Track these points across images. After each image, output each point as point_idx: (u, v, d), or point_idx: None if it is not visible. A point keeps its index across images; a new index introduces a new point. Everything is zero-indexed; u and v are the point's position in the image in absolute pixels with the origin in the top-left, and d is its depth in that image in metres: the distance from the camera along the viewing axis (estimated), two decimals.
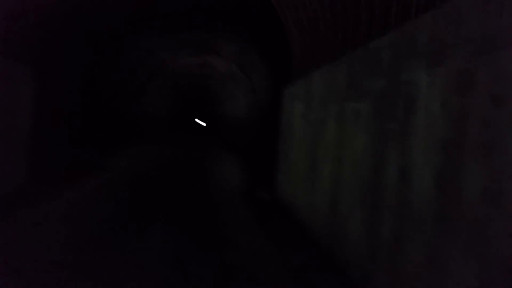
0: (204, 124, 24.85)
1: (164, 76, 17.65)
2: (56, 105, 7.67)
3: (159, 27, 10.58)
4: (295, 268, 3.79)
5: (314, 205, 4.68)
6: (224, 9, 8.99)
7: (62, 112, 7.98)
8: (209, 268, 3.63)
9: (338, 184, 3.94)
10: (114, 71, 10.75)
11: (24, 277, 3.17)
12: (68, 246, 3.94)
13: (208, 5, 8.96)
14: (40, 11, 5.98)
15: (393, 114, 2.97)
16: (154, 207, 5.87)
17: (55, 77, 7.49)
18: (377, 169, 3.13)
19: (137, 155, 12.40)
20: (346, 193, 3.71)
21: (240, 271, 3.61)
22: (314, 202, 4.68)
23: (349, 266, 3.52)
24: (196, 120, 25.42)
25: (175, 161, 11.72)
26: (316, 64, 5.24)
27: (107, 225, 4.74)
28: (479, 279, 1.97)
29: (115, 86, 11.14)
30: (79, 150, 8.88)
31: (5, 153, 5.74)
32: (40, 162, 7.09)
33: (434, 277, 2.32)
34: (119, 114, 11.89)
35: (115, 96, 11.20)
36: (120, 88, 11.74)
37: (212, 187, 7.99)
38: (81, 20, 7.61)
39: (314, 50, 5.36)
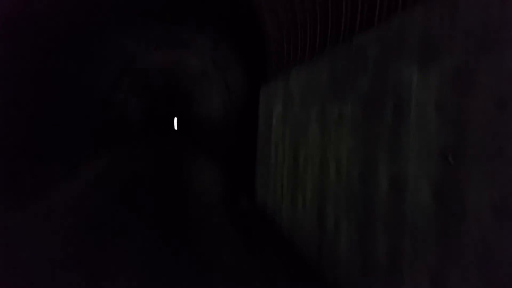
0: (175, 126, 24.34)
1: (135, 73, 17.09)
2: (15, 107, 7.16)
3: (130, 19, 10.11)
4: None
5: (298, 217, 4.43)
6: (197, 5, 8.65)
7: (22, 114, 7.47)
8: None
9: (323, 193, 3.70)
10: (84, 64, 10.23)
11: None
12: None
13: (181, 1, 8.59)
14: None
15: (381, 117, 2.75)
16: (128, 219, 5.50)
17: (14, 74, 6.98)
18: (366, 178, 2.90)
19: (109, 161, 11.89)
20: (332, 205, 3.47)
21: None
22: (298, 213, 4.43)
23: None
24: (173, 122, 24.87)
25: (148, 167, 11.29)
26: (295, 61, 4.99)
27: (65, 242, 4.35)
28: None
29: (84, 81, 10.60)
30: (42, 157, 8.37)
31: None
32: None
33: None
34: (87, 114, 11.36)
35: (83, 93, 10.67)
36: (89, 84, 11.20)
37: (189, 195, 7.65)
38: (43, 12, 7.12)
39: (292, 45, 5.10)
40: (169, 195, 7.54)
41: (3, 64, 6.62)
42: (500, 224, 1.73)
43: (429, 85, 2.28)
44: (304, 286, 3.59)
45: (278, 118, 5.47)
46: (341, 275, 3.21)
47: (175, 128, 25.24)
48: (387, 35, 2.70)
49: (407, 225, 2.41)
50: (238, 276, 3.72)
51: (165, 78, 22.22)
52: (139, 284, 3.43)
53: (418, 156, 2.34)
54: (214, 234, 5.12)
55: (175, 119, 25.03)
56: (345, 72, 3.33)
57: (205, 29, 10.36)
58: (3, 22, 6.26)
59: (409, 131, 2.45)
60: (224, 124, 12.43)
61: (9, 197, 6.53)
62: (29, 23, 7.11)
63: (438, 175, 2.14)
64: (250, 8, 7.21)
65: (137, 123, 21.50)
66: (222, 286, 3.53)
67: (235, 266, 3.95)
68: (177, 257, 4.11)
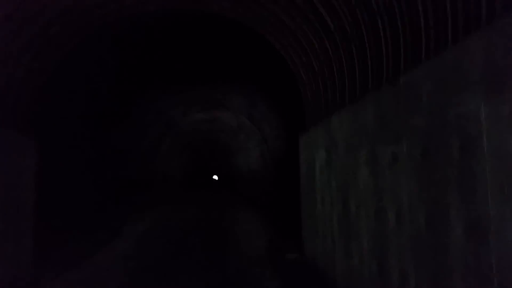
0: (216, 178, 24.33)
1: (174, 135, 17.51)
2: (63, 175, 7.31)
3: (167, 86, 10.48)
4: None
5: (355, 271, 4.02)
6: (231, 63, 8.85)
7: (70, 182, 7.61)
8: None
9: (383, 244, 3.32)
10: (125, 135, 10.54)
11: None
12: None
13: (215, 60, 8.83)
14: (37, 76, 5.78)
15: (446, 156, 2.45)
16: (171, 277, 5.23)
17: (60, 145, 7.20)
18: (435, 225, 2.55)
19: (154, 218, 11.85)
20: (396, 257, 3.08)
21: None
22: (354, 267, 4.02)
23: None
24: (212, 176, 24.96)
25: (192, 222, 11.12)
26: (334, 107, 4.81)
27: None
28: None
29: (126, 150, 10.87)
30: (92, 219, 8.40)
31: (9, 232, 5.27)
32: (47, 240, 6.59)
33: None
34: (131, 178, 11.53)
35: (126, 160, 10.89)
36: (131, 151, 11.47)
37: (233, 249, 7.32)
38: (84, 84, 7.47)
39: (330, 92, 4.95)
40: (213, 248, 7.25)
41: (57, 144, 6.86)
42: None
43: (502, 115, 2.00)
44: None
45: (322, 165, 5.20)
46: None
47: (216, 181, 25.27)
48: (441, 69, 2.47)
49: (492, 276, 2.03)
50: None
51: (204, 135, 22.64)
52: None
53: (500, 195, 2.01)
54: None
55: (215, 173, 25.16)
56: (394, 111, 3.09)
57: (240, 88, 10.55)
58: (67, 103, 6.57)
59: (484, 167, 2.13)
60: (263, 175, 12.23)
61: (61, 258, 6.47)
62: (86, 103, 7.44)
63: None
64: (285, 63, 7.24)
65: (179, 180, 21.70)
66: None
67: None
68: None
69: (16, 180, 5.60)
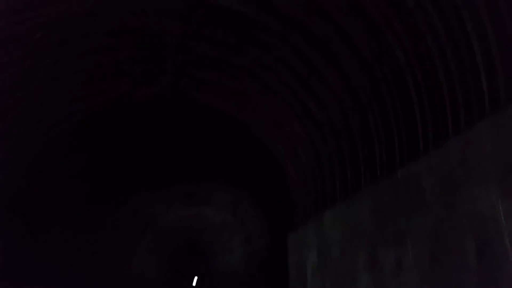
0: (195, 282, 22.71)
1: (153, 234, 16.65)
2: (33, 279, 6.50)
3: (148, 180, 10.15)
4: None
5: None
6: (215, 158, 8.72)
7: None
8: None
9: None
10: (101, 232, 9.83)
11: None
12: None
13: (199, 155, 8.71)
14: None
15: (460, 261, 2.11)
16: None
17: (29, 247, 6.52)
18: None
19: None
20: None
21: None
22: None
23: None
24: (192, 278, 23.29)
25: None
26: (324, 204, 4.52)
27: None
28: None
29: (101, 250, 10.04)
30: None
31: None
32: None
33: None
34: (105, 281, 10.48)
35: (101, 262, 9.99)
36: (106, 251, 10.61)
37: None
38: (59, 178, 7.08)
39: (320, 188, 4.71)
40: None
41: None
42: None
43: None
44: None
45: (314, 269, 4.71)
46: None
47: (194, 285, 23.51)
48: (445, 162, 2.27)
49: None
50: None
51: (184, 233, 21.62)
52: None
53: None
54: None
55: (195, 275, 23.53)
56: (393, 210, 2.81)
57: (224, 184, 10.30)
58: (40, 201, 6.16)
59: (508, 273, 1.80)
60: (247, 277, 11.32)
61: None
62: (60, 198, 7.02)
63: None
64: (271, 158, 7.12)
65: (156, 283, 20.08)
66: None
67: None
68: None
69: None
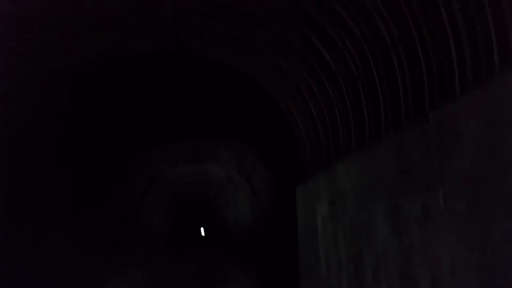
0: (203, 233, 23.16)
1: (160, 188, 16.72)
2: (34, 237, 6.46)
3: (152, 137, 9.93)
4: None
5: None
6: (221, 112, 8.44)
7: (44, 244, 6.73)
8: None
9: None
10: (104, 188, 9.77)
11: None
12: None
13: (204, 110, 8.42)
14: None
15: (502, 209, 1.88)
16: None
17: (30, 204, 6.42)
18: None
19: (136, 278, 10.71)
20: None
21: None
22: None
23: None
24: (200, 231, 23.74)
25: (177, 282, 10.04)
26: (338, 154, 4.28)
27: None
28: None
29: (105, 206, 10.03)
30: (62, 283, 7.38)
31: None
32: None
33: None
34: (112, 234, 10.57)
35: (105, 218, 10.01)
36: (111, 207, 10.62)
37: None
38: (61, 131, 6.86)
39: (334, 136, 4.45)
40: None
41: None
42: None
43: None
44: None
45: (325, 220, 4.56)
46: None
47: (203, 237, 24.04)
48: (491, 100, 1.98)
49: None
50: None
51: (190, 189, 21.82)
52: None
53: None
54: None
55: (202, 228, 24.02)
56: (423, 155, 2.56)
57: (229, 139, 10.08)
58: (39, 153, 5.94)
59: None
60: (253, 231, 11.41)
61: None
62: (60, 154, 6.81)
63: None
64: (277, 112, 6.83)
65: (164, 236, 20.51)
66: None
67: None
68: None
69: None
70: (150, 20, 5.11)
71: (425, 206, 2.53)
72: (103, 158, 8.87)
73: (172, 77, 7.25)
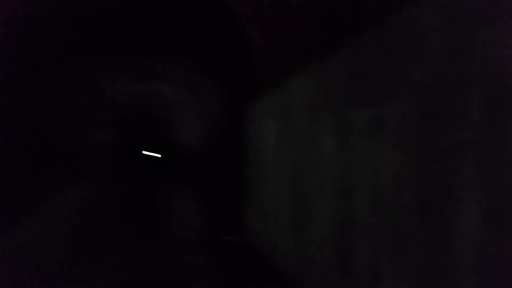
0: (151, 154, 22.89)
1: (104, 107, 15.84)
2: None
3: (96, 51, 9.02)
4: None
5: (309, 260, 3.33)
6: (170, 27, 7.69)
7: None
8: None
9: (349, 231, 2.64)
10: (48, 102, 8.96)
11: None
12: None
13: (151, 23, 7.62)
14: None
15: (458, 118, 1.76)
16: (91, 267, 4.21)
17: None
18: (433, 210, 1.87)
19: (81, 196, 10.45)
20: (366, 246, 2.40)
21: None
22: (309, 255, 3.33)
23: None
24: (145, 152, 23.35)
25: (123, 200, 9.93)
26: (288, 68, 4.02)
27: None
28: None
29: (49, 118, 9.29)
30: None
31: None
32: None
33: None
34: (55, 152, 9.98)
35: (49, 133, 9.33)
36: (55, 121, 9.88)
37: (164, 230, 6.40)
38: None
39: (285, 53, 4.14)
40: (142, 230, 6.28)
41: None
42: None
43: None
44: None
45: (274, 138, 4.44)
46: None
47: (151, 158, 23.74)
48: None
49: None
50: None
51: (137, 109, 20.98)
52: None
53: None
54: (194, 278, 3.92)
55: (151, 150, 23.65)
56: (379, 64, 2.36)
57: (179, 57, 9.42)
58: None
59: None
60: (204, 152, 11.30)
61: None
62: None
63: None
64: (228, 20, 6.29)
65: (110, 156, 20.00)
66: None
67: None
68: None
69: None
70: None
71: (372, 118, 2.40)
72: (45, 71, 7.98)
73: None
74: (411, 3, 2.06)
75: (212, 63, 8.49)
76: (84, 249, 5.17)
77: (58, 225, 6.88)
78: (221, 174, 8.56)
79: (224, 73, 8.12)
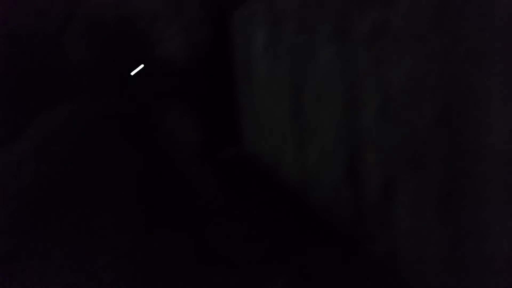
0: (136, 70, 22.04)
1: (81, 20, 14.72)
2: None
3: None
4: None
5: (311, 171, 3.34)
6: None
7: None
8: None
9: (356, 142, 2.58)
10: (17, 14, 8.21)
11: None
12: None
13: None
14: None
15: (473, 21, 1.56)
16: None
17: None
18: (456, 119, 1.78)
19: (64, 115, 10.22)
20: (375, 158, 2.35)
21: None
22: (311, 166, 3.33)
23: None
24: (130, 67, 22.52)
25: (112, 116, 9.76)
26: None
27: None
28: None
29: (19, 33, 8.63)
30: None
31: None
32: None
33: None
34: (37, 71, 9.48)
35: (19, 49, 8.73)
36: (25, 36, 9.20)
37: (162, 144, 6.40)
38: None
39: None
40: (135, 147, 6.28)
41: None
42: None
43: None
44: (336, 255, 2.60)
45: (264, 46, 4.16)
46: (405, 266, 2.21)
47: (135, 74, 23.04)
48: None
49: None
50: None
51: (115, 23, 19.65)
52: None
53: None
54: (196, 190, 4.01)
55: (133, 65, 22.84)
56: None
57: None
58: None
59: None
60: (188, 64, 10.86)
61: None
62: None
63: None
64: None
65: (90, 71, 19.34)
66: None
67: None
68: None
69: None
70: None
71: (379, 21, 2.17)
72: None
73: None
74: None
75: None
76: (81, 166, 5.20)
77: (54, 135, 6.81)
78: (212, 89, 8.32)
79: None
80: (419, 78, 1.93)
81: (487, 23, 1.53)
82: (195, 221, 3.30)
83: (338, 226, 2.91)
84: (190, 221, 3.34)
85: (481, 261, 1.69)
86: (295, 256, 2.63)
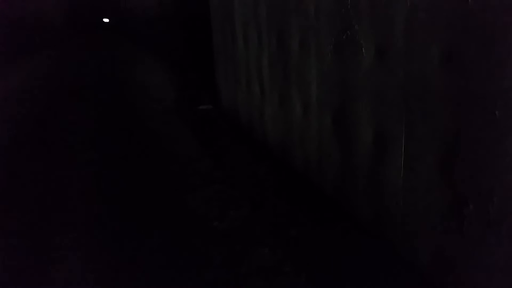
0: (107, 21, 20.68)
1: None
2: None
3: None
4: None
5: (294, 125, 3.07)
6: None
7: None
8: None
9: (349, 93, 2.30)
10: None
11: None
12: None
13: None
14: None
15: None
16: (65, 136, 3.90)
17: None
18: (460, 60, 1.51)
19: (34, 68, 9.51)
20: (371, 111, 2.08)
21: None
22: (293, 120, 3.05)
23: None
24: (102, 19, 21.09)
25: (85, 72, 9.12)
26: None
27: None
28: None
29: None
30: None
31: None
32: None
33: None
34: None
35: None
36: None
37: (133, 102, 6.00)
38: None
39: None
40: (111, 102, 5.86)
41: None
42: None
43: None
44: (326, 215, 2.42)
45: None
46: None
47: (107, 26, 21.59)
48: None
49: None
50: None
51: None
52: None
53: None
54: (173, 146, 3.73)
55: (105, 16, 21.35)
56: None
57: None
58: None
59: None
60: (163, 16, 10.13)
61: None
62: None
63: None
64: None
65: (60, 23, 18.06)
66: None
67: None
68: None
69: None
70: None
71: None
72: None
73: None
74: None
75: None
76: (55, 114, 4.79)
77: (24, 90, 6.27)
78: (186, 41, 7.78)
79: None
80: (422, 19, 1.64)
81: None
82: (174, 186, 3.03)
83: (323, 187, 2.70)
84: (168, 186, 3.06)
85: (482, 225, 1.51)
86: (278, 222, 2.42)
